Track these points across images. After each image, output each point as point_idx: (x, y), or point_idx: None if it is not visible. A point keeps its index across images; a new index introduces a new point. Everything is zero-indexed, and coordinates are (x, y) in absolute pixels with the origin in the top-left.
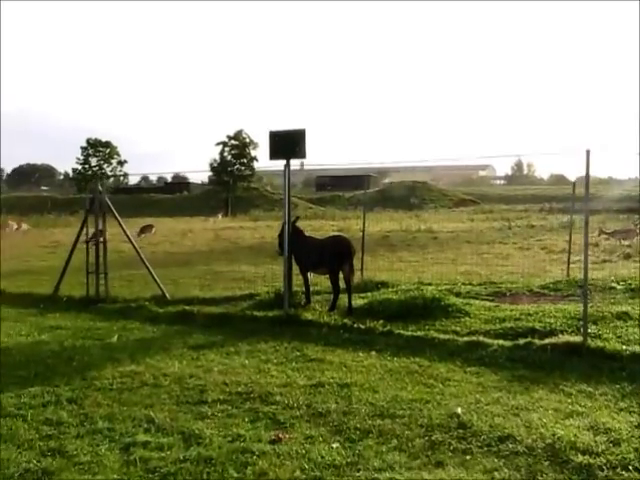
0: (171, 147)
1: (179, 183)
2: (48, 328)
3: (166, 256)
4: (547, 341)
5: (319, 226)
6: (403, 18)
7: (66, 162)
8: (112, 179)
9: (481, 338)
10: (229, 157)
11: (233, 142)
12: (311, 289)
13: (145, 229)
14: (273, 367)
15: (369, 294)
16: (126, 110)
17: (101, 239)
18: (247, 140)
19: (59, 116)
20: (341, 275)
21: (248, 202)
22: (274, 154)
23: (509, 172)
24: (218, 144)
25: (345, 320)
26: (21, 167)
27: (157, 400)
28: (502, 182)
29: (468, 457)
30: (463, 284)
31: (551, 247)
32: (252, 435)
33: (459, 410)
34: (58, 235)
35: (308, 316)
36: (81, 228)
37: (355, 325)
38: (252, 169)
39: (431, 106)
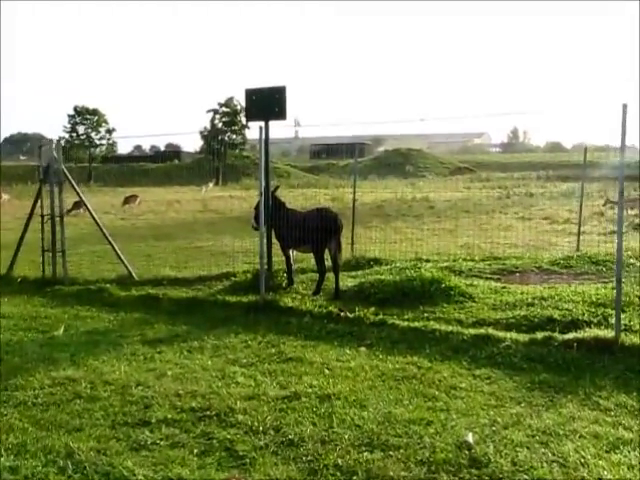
0: (162, 117)
1: (170, 151)
2: None
3: (146, 229)
4: (572, 336)
5: (311, 195)
6: None
7: (57, 131)
8: (104, 148)
9: (490, 330)
10: (220, 125)
11: (224, 109)
12: (295, 267)
13: (129, 200)
14: (240, 370)
15: (360, 272)
16: (116, 80)
17: (81, 211)
18: (238, 107)
19: (47, 85)
20: (328, 254)
21: (240, 171)
22: (251, 115)
23: (505, 140)
24: (209, 111)
25: (331, 307)
26: (12, 136)
27: (88, 421)
28: (498, 150)
29: None
30: (464, 260)
31: (554, 217)
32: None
33: (470, 437)
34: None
35: (288, 302)
36: (35, 200)
37: (342, 313)
38: (244, 137)
39: (427, 72)
